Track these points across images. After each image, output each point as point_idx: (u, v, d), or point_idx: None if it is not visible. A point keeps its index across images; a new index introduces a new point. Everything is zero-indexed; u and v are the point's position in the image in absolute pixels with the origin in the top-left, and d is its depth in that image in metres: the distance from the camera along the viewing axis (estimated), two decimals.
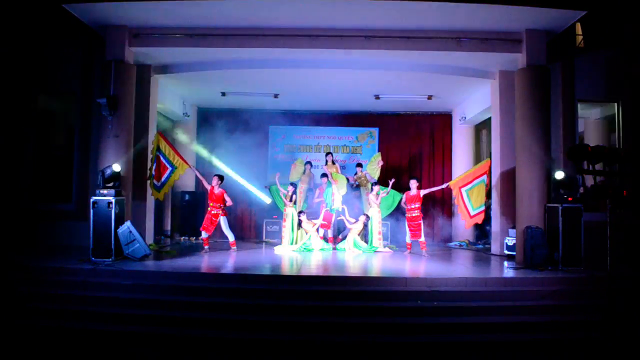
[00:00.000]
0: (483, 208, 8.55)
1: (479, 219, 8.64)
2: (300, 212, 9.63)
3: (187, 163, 9.04)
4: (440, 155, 12.41)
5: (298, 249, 9.29)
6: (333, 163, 10.69)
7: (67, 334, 5.41)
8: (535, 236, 7.42)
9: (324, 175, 10.32)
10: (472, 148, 12.06)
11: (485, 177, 8.54)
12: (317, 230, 9.56)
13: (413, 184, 9.05)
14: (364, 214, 9.63)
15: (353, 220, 9.53)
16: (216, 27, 8.20)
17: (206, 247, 8.93)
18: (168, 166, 8.82)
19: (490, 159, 9.01)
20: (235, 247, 9.25)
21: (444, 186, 9.44)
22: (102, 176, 7.56)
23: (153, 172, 8.71)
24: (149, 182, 8.72)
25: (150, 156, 8.81)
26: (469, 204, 8.65)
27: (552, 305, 6.20)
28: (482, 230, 11.06)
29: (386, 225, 10.48)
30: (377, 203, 9.49)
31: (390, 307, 6.01)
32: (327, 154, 10.88)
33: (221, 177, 9.11)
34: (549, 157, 8.05)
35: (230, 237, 9.20)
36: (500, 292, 6.37)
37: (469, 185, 8.67)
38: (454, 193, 9.02)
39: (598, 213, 8.19)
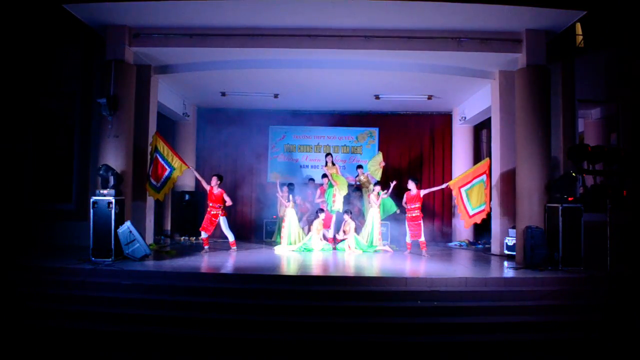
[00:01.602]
0: (482, 208, 8.54)
1: (478, 219, 8.64)
2: (319, 210, 9.53)
3: (185, 164, 9.02)
4: (440, 155, 12.41)
5: (298, 249, 9.29)
6: (333, 164, 10.68)
7: (67, 334, 5.41)
8: (535, 236, 7.42)
9: (325, 176, 10.33)
10: (472, 148, 12.06)
11: (484, 176, 8.53)
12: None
13: (411, 184, 9.05)
14: (344, 212, 9.59)
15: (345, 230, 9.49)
16: (216, 27, 8.20)
17: (206, 247, 8.93)
18: (167, 167, 8.81)
19: (490, 159, 9.01)
20: (235, 247, 9.25)
21: (443, 186, 9.43)
22: (114, 176, 7.63)
23: (150, 173, 8.72)
24: (147, 183, 8.74)
25: (149, 154, 8.82)
26: (467, 204, 8.65)
27: (552, 305, 6.20)
28: (482, 231, 11.07)
29: (386, 226, 10.48)
30: (378, 203, 9.49)
31: (390, 307, 6.01)
32: (327, 154, 10.85)
33: (220, 177, 9.10)
34: (549, 157, 8.05)
35: (230, 237, 9.20)
36: (500, 292, 6.37)
37: (468, 185, 8.66)
38: (454, 193, 9.01)
39: (598, 213, 8.18)
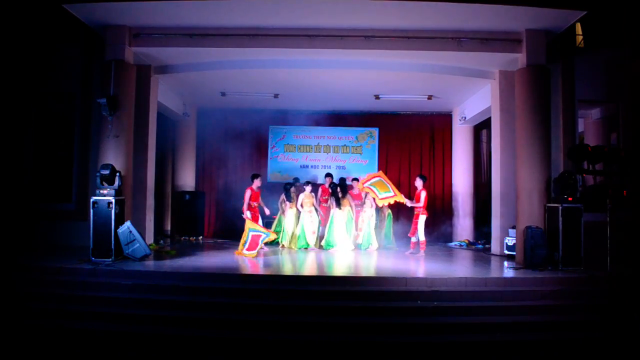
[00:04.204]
0: (390, 195, 9.12)
1: (386, 202, 9.28)
2: (305, 183, 9.71)
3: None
4: (440, 155, 12.42)
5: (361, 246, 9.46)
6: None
7: (67, 334, 5.41)
8: (535, 236, 7.42)
9: (328, 175, 10.36)
10: (472, 148, 12.06)
11: (380, 177, 9.35)
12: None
13: (419, 182, 9.07)
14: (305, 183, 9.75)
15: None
16: (216, 27, 8.21)
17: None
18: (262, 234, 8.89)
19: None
20: None
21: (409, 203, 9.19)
22: (119, 177, 7.68)
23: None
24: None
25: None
26: (377, 191, 9.22)
27: (552, 305, 6.19)
28: (482, 231, 11.08)
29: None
30: (358, 203, 9.69)
31: (390, 307, 6.01)
32: (329, 180, 10.10)
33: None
34: (549, 157, 8.05)
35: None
36: (500, 292, 6.37)
37: (369, 182, 9.34)
38: (365, 190, 9.41)
39: (598, 213, 8.19)
